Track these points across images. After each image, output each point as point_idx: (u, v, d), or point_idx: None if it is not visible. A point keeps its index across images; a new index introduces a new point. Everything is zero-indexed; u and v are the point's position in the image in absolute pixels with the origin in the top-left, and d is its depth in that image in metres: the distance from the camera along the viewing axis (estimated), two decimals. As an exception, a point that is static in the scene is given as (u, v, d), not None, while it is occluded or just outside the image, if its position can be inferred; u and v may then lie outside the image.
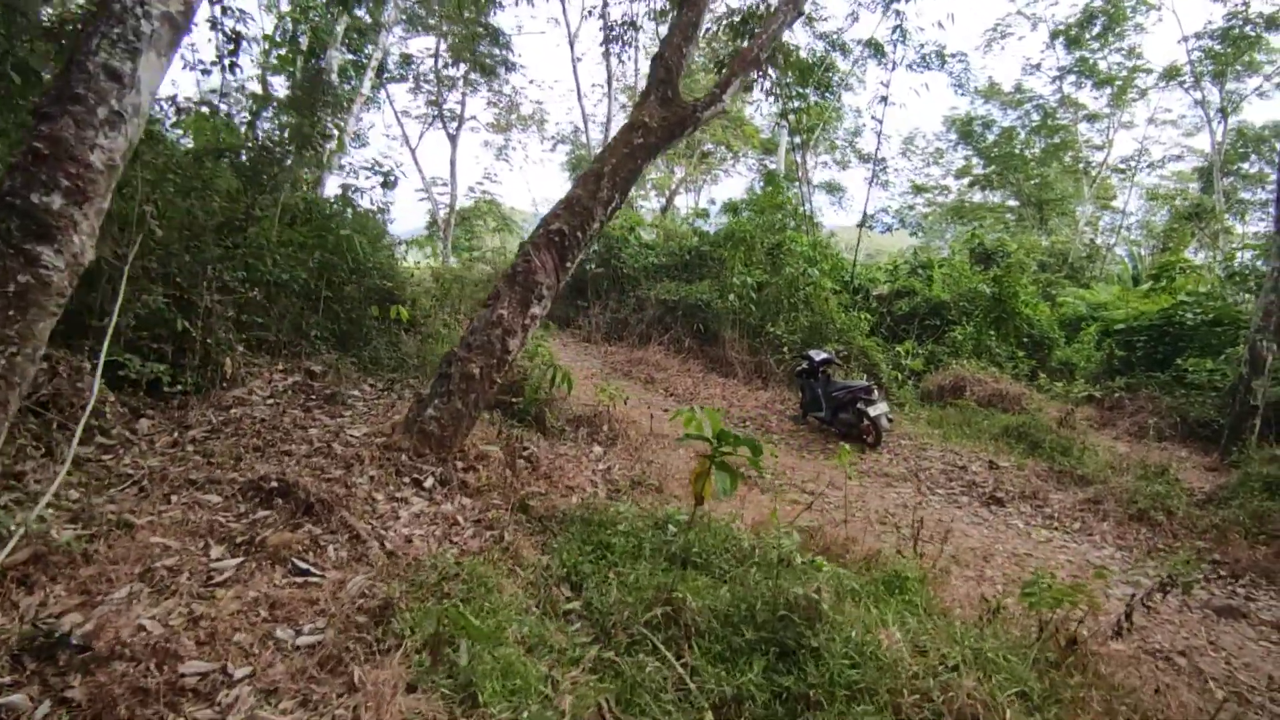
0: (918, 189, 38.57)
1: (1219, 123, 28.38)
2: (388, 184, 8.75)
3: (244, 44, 7.77)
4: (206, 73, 8.55)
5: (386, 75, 22.18)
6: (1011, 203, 36.61)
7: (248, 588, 3.05)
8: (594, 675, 2.83)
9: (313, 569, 3.23)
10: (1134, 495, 7.50)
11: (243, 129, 8.29)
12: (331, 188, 11.65)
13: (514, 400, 6.63)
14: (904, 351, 12.92)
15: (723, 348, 12.72)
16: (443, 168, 24.39)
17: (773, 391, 11.79)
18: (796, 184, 20.60)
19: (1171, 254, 18.82)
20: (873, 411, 9.08)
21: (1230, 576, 6.34)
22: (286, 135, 7.65)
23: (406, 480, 4.18)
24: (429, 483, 4.07)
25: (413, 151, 24.61)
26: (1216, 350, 11.85)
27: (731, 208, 16.54)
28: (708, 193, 37.18)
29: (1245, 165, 30.30)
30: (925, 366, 13.26)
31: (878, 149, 19.94)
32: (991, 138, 36.21)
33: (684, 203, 34.43)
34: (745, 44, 7.69)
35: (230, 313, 5.37)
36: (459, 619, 2.71)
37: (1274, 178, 9.54)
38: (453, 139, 24.47)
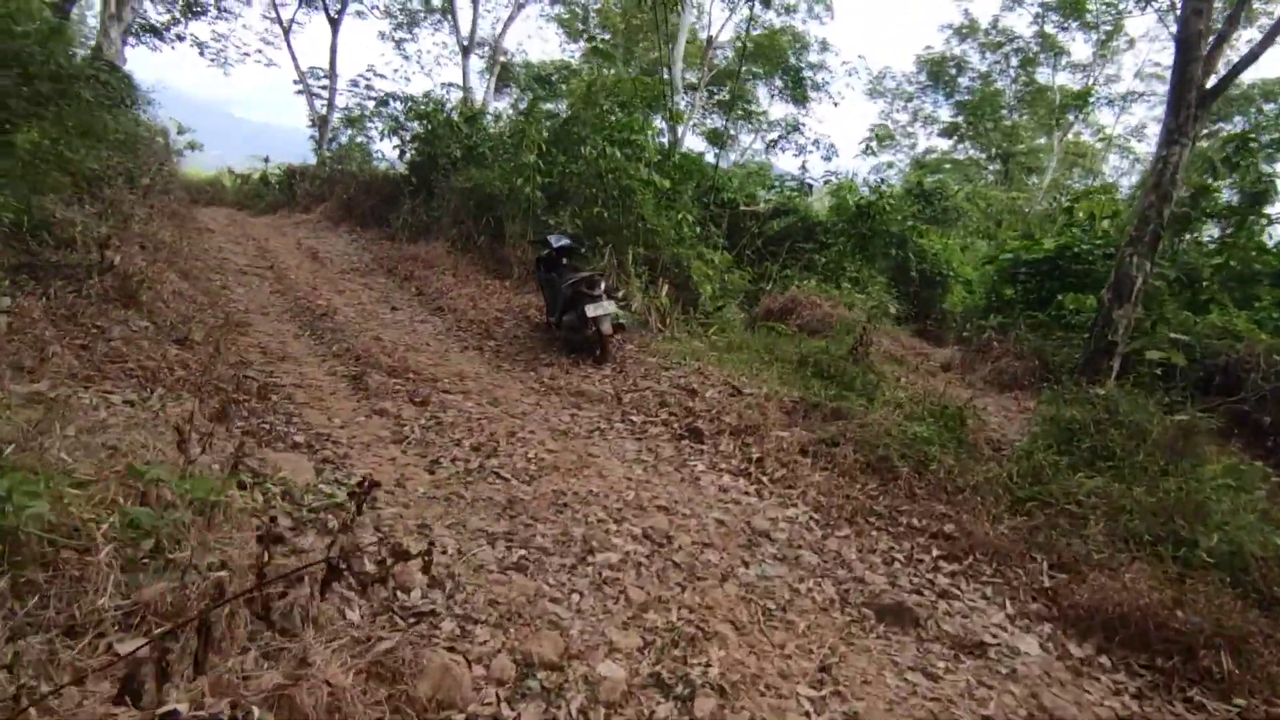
0: (880, 137, 35.71)
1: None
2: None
3: None
4: None
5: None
6: (977, 154, 33.82)
7: None
8: None
9: None
10: (882, 438, 5.17)
11: None
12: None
13: None
14: (721, 262, 10.46)
15: (505, 244, 10.27)
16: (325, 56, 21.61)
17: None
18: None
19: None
20: (591, 310, 6.70)
21: (947, 557, 4.04)
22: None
23: None
24: None
25: (285, 33, 21.53)
26: (1104, 284, 9.45)
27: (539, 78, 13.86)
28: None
29: (1226, 126, 27.46)
30: (760, 284, 10.89)
31: (743, 46, 16.73)
32: (965, 82, 33.28)
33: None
34: None
35: None
36: None
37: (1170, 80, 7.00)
38: (334, 22, 21.44)
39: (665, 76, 14.82)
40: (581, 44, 26.23)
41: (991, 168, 34.05)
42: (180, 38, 19.35)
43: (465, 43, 19.76)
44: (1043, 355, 8.60)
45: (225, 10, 21.40)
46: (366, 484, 1.65)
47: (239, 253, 10.37)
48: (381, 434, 4.75)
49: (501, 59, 20.21)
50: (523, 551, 3.47)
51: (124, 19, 13.75)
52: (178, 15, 19.10)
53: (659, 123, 13.25)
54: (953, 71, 32.54)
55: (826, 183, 14.52)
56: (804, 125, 24.16)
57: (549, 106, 14.14)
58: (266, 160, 23.36)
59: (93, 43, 14.14)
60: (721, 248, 11.81)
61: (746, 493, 4.69)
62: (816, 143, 21.47)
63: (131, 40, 17.71)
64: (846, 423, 5.54)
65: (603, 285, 6.90)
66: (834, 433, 5.38)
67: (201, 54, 22.21)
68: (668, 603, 3.26)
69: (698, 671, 2.77)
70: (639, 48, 27.03)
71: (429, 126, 13.36)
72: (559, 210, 9.97)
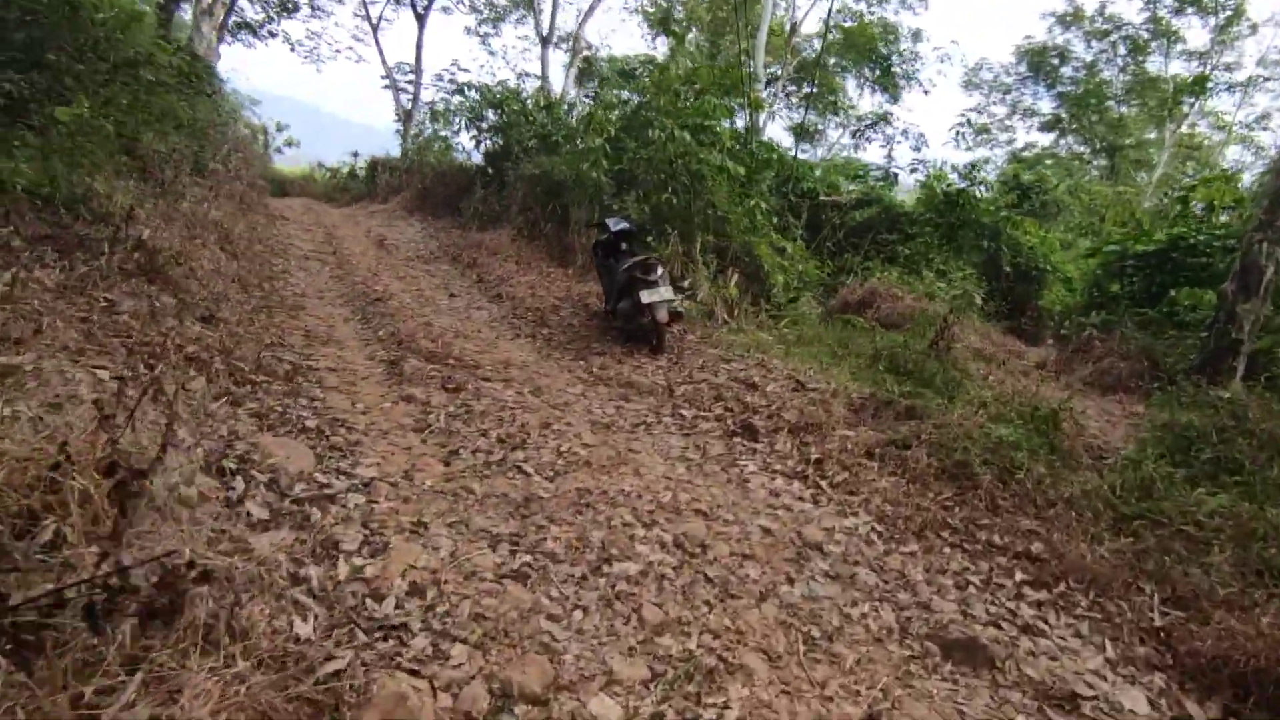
0: (977, 129, 33.62)
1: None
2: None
3: None
4: None
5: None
6: (1080, 149, 31.58)
7: None
8: None
9: None
10: (961, 440, 4.55)
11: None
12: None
13: None
14: (795, 252, 9.83)
15: (570, 232, 9.98)
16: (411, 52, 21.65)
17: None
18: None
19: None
20: (646, 296, 6.28)
21: (1034, 583, 3.43)
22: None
23: None
24: None
25: (374, 29, 21.95)
26: (1225, 278, 8.40)
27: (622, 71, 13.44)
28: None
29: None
30: (839, 277, 10.25)
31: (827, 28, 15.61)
32: (1068, 72, 31.06)
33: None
34: None
35: None
36: None
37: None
38: (420, 18, 21.72)
39: (748, 67, 14.26)
40: (664, 38, 25.79)
41: (1096, 163, 31.78)
42: (273, 34, 19.94)
43: (544, 32, 19.70)
44: (1152, 354, 7.67)
45: (318, 8, 21.99)
46: (120, 475, 1.26)
47: (307, 239, 10.45)
48: (404, 421, 4.46)
49: (585, 52, 19.98)
50: (527, 557, 3.08)
51: (215, 14, 14.16)
52: (272, 14, 19.70)
53: (737, 111, 12.71)
54: (1055, 61, 30.48)
55: (913, 171, 13.62)
56: (893, 115, 22.93)
57: (624, 95, 13.80)
58: (355, 155, 23.97)
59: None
60: (800, 238, 11.21)
61: (800, 498, 4.17)
62: (905, 132, 20.29)
63: (228, 37, 18.37)
64: (921, 423, 4.93)
65: (660, 270, 6.47)
66: (906, 433, 4.79)
67: (293, 50, 22.90)
68: (689, 625, 2.81)
69: (712, 714, 2.32)
70: (724, 41, 26.37)
71: (504, 116, 13.25)
72: (625, 196, 9.60)
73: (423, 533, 3.17)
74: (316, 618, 2.46)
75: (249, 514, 3.02)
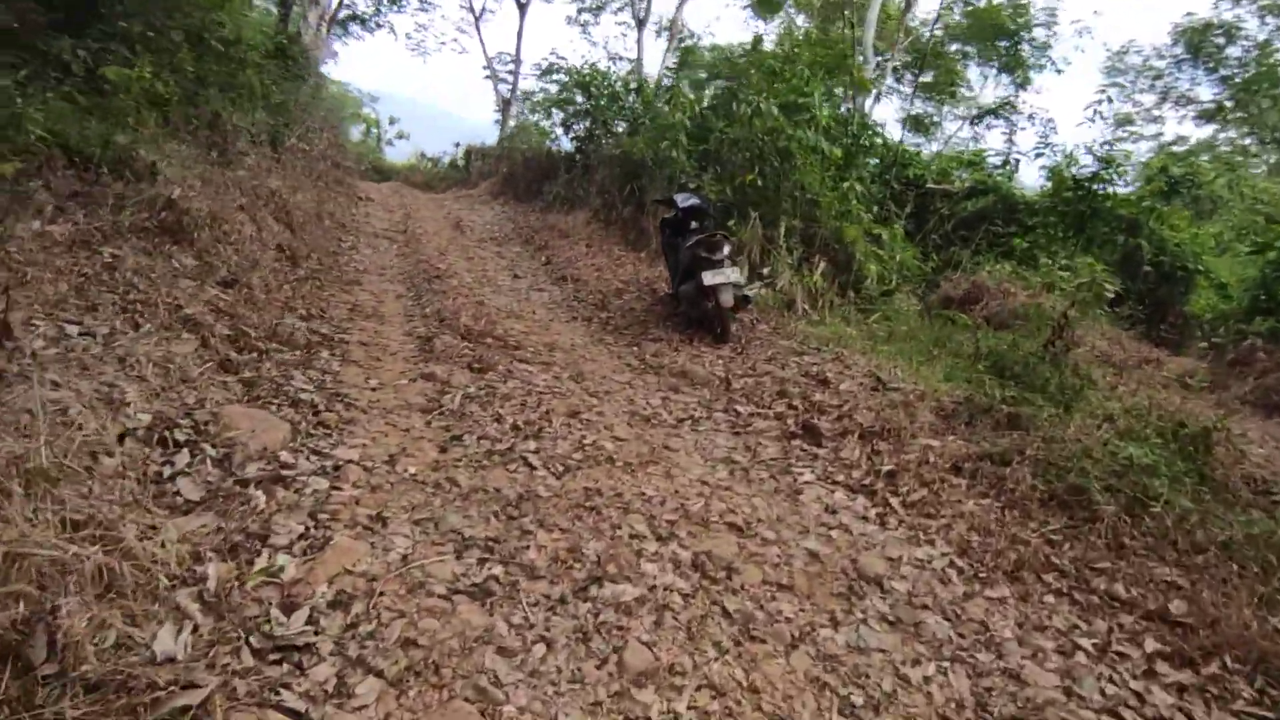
0: (1123, 119, 30.54)
1: None
2: None
3: None
4: None
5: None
6: (1245, 140, 28.14)
7: None
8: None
9: None
10: (1078, 460, 3.63)
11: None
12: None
13: None
14: (894, 242, 8.80)
15: (645, 214, 9.36)
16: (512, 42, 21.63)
17: (677, 269, 8.43)
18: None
19: None
20: (709, 278, 5.57)
21: (1171, 656, 2.53)
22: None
23: None
24: None
25: (476, 20, 22.04)
26: None
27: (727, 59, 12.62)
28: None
29: None
30: (944, 270, 9.16)
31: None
32: (1235, 54, 27.69)
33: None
34: None
35: None
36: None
37: None
38: (522, 7, 21.65)
39: (858, 55, 13.25)
40: (768, 22, 24.68)
41: (1266, 157, 28.26)
42: (379, 25, 20.27)
43: (641, 15, 19.18)
44: (1337, 372, 6.32)
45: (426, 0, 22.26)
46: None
47: (384, 218, 10.33)
48: (414, 400, 3.96)
49: (686, 40, 19.30)
50: (498, 569, 2.48)
51: (321, 3, 14.38)
52: (382, 5, 20.02)
53: (839, 91, 11.74)
54: (1219, 41, 27.21)
55: (1038, 155, 12.21)
56: (1018, 100, 20.98)
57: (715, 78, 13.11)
58: (457, 145, 24.26)
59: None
60: (903, 229, 10.17)
61: (863, 517, 3.39)
62: (1031, 117, 18.37)
63: (338, 30, 18.73)
64: (1027, 435, 4.02)
65: (726, 249, 5.75)
66: (1006, 447, 3.90)
67: (396, 40, 23.23)
68: (684, 675, 2.14)
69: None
70: (834, 28, 25.07)
71: (591, 99, 12.82)
72: (704, 176, 8.91)
73: (378, 529, 2.62)
74: (196, 630, 1.94)
75: (177, 493, 2.57)
